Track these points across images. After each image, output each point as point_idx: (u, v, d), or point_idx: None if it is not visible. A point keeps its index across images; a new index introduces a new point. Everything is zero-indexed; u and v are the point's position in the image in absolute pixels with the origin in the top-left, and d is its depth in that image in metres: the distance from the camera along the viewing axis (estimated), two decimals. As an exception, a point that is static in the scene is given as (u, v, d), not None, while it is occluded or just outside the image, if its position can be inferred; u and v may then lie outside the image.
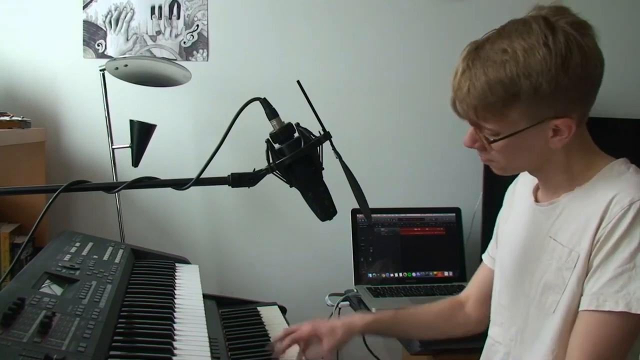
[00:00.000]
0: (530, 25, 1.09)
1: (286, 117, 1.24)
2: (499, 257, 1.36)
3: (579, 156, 1.16)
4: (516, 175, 1.41)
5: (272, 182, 1.28)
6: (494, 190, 2.32)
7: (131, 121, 2.14)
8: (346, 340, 1.37)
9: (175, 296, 1.41)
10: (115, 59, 2.17)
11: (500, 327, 1.29)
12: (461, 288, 2.24)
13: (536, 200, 1.26)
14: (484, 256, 1.48)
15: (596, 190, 1.12)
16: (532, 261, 1.21)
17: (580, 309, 1.08)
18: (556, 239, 1.16)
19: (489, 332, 1.34)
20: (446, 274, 2.36)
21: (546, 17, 1.10)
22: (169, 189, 1.23)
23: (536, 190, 1.28)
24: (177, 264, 1.68)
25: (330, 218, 1.25)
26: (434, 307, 1.49)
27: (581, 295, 1.09)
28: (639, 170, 1.14)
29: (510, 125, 1.10)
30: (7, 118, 1.97)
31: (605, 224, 1.07)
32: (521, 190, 1.35)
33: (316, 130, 1.22)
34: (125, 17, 2.36)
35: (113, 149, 2.19)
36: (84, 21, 2.35)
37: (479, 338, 1.40)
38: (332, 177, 1.25)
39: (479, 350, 1.39)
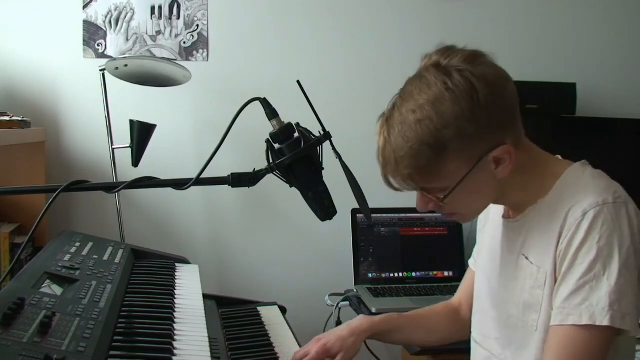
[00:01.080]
0: (426, 78, 1.09)
1: (286, 117, 1.24)
2: (479, 266, 1.36)
3: (531, 171, 1.14)
4: None
5: (272, 182, 1.28)
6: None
7: (131, 121, 2.14)
8: (358, 348, 1.35)
9: (175, 296, 1.41)
10: (115, 59, 2.17)
11: (496, 342, 1.27)
12: (461, 288, 2.26)
13: (506, 215, 1.24)
14: (470, 262, 1.47)
15: (556, 202, 1.10)
16: (511, 280, 1.20)
17: (550, 324, 1.07)
18: (527, 257, 1.15)
19: (484, 345, 1.31)
20: (446, 274, 2.36)
21: (437, 63, 1.09)
22: (169, 189, 1.23)
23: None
24: (177, 264, 1.68)
25: (330, 218, 1.24)
26: (432, 312, 1.48)
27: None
28: (593, 173, 1.12)
29: (452, 176, 1.08)
30: (7, 118, 1.97)
31: (563, 238, 1.05)
32: (493, 211, 1.33)
33: (316, 130, 1.22)
34: (125, 17, 2.36)
35: (113, 149, 2.19)
36: (84, 21, 2.35)
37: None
38: (332, 177, 1.25)
39: (467, 351, 1.38)
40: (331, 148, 1.21)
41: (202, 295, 1.48)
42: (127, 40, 2.37)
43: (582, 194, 1.06)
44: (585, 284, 1.02)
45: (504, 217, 1.24)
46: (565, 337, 1.04)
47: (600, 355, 1.03)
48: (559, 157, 1.20)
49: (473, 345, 1.35)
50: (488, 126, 1.05)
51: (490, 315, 1.28)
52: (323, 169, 1.23)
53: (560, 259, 1.06)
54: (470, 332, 1.39)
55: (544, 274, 1.10)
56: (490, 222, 1.34)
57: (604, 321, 1.00)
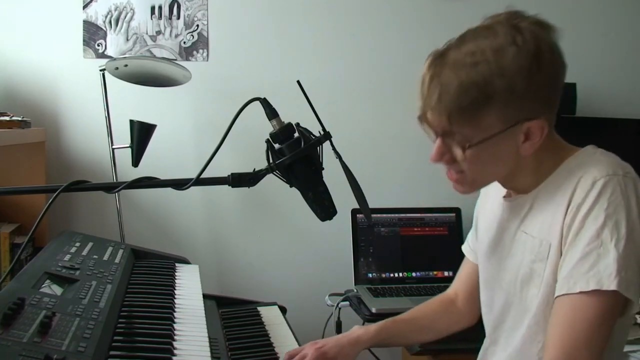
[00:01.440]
0: (494, 28, 1.07)
1: (286, 117, 1.24)
2: (479, 252, 1.36)
3: (547, 158, 1.14)
4: None
5: (272, 182, 1.28)
6: (494, 190, 2.33)
7: (131, 121, 2.14)
8: (353, 358, 1.35)
9: (175, 296, 1.41)
10: (115, 59, 2.17)
11: (492, 326, 1.28)
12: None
13: (507, 196, 1.24)
14: (464, 248, 1.47)
15: (562, 178, 1.10)
16: (506, 258, 1.20)
17: (555, 295, 1.05)
18: (527, 231, 1.15)
19: (487, 331, 1.32)
20: (446, 274, 2.36)
21: (508, 19, 1.08)
22: (169, 189, 1.23)
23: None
24: (177, 264, 1.68)
25: (330, 218, 1.25)
26: (427, 309, 1.48)
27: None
28: (605, 153, 1.12)
29: (484, 129, 1.06)
30: (7, 118, 1.97)
31: (572, 207, 1.05)
32: (494, 187, 1.32)
33: (316, 130, 1.22)
34: (125, 17, 2.36)
35: (113, 149, 2.19)
36: (84, 21, 2.35)
37: (478, 339, 1.39)
38: (332, 177, 1.25)
39: (474, 351, 1.38)
40: (331, 148, 1.21)
41: (202, 295, 1.48)
42: (127, 40, 2.37)
43: (593, 166, 1.07)
44: (592, 250, 1.01)
45: (504, 197, 1.24)
46: (572, 305, 1.02)
47: (609, 321, 1.02)
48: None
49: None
50: (537, 94, 1.06)
51: (488, 295, 1.28)
52: (323, 169, 1.23)
53: (567, 227, 1.05)
54: (467, 320, 1.42)
55: (547, 245, 1.09)
56: (489, 204, 1.34)
57: (611, 285, 0.99)
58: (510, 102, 1.04)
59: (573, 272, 1.02)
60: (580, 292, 1.01)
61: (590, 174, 1.05)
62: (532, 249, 1.12)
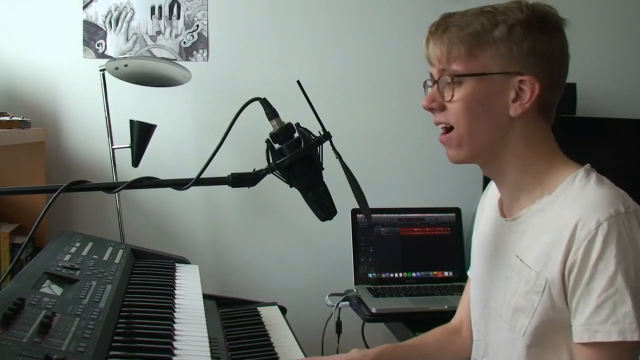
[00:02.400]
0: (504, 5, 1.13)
1: (286, 117, 1.23)
2: (473, 269, 1.35)
3: (538, 152, 1.13)
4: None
5: (272, 182, 1.28)
6: (494, 190, 2.33)
7: (131, 121, 2.14)
8: None
9: (175, 296, 1.41)
10: (115, 59, 2.17)
11: (478, 345, 1.27)
12: (461, 288, 2.24)
13: (502, 214, 1.22)
14: (469, 273, 1.43)
15: (559, 206, 1.08)
16: (501, 280, 1.18)
17: (574, 341, 1.04)
18: (522, 259, 1.12)
19: (472, 352, 1.31)
20: (446, 274, 2.36)
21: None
22: (169, 189, 1.23)
23: (501, 203, 1.24)
24: (177, 264, 1.68)
25: (330, 218, 1.24)
26: (430, 338, 1.44)
27: (553, 322, 1.06)
28: (599, 181, 1.09)
29: (478, 67, 1.09)
30: (7, 118, 1.97)
31: (575, 250, 1.02)
32: (488, 202, 1.32)
33: (316, 130, 1.22)
34: (125, 17, 2.36)
35: (113, 149, 2.19)
36: (84, 21, 2.35)
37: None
38: (332, 177, 1.25)
39: None
40: (331, 148, 1.21)
41: (202, 295, 1.48)
42: (127, 40, 2.37)
43: (592, 205, 1.03)
44: (608, 298, 0.99)
45: (500, 216, 1.22)
46: (594, 355, 1.01)
47: None
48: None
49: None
50: (533, 51, 1.08)
51: (480, 314, 1.26)
52: (323, 169, 1.22)
53: (576, 273, 1.02)
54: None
55: (543, 280, 1.06)
56: (483, 222, 1.33)
57: (635, 336, 0.98)
58: (507, 47, 1.08)
59: (591, 321, 1.01)
60: (602, 342, 1.00)
61: (592, 215, 1.02)
62: (528, 281, 1.10)
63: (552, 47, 1.09)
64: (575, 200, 1.06)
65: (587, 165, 1.13)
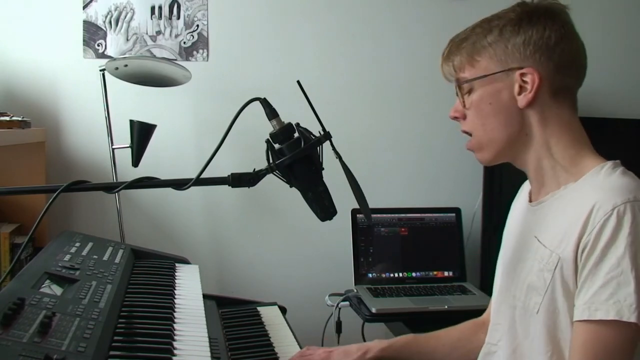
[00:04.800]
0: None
1: (286, 117, 1.23)
2: (500, 259, 1.36)
3: (561, 137, 1.16)
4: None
5: (272, 182, 1.28)
6: (494, 190, 2.33)
7: (131, 121, 2.13)
8: None
9: (175, 296, 1.41)
10: (115, 59, 2.17)
11: (494, 330, 1.28)
12: (461, 288, 2.26)
13: (529, 200, 1.26)
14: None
15: (581, 193, 1.11)
16: (519, 262, 1.21)
17: (574, 319, 1.06)
18: (540, 239, 1.15)
19: (487, 337, 1.32)
20: (446, 274, 2.36)
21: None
22: (169, 189, 1.23)
23: (531, 193, 1.28)
24: (177, 264, 1.68)
25: (330, 218, 1.24)
26: (455, 330, 1.46)
27: (566, 300, 1.08)
28: (626, 173, 1.12)
29: (480, 71, 1.17)
30: (7, 118, 1.97)
31: (589, 231, 1.04)
32: (521, 198, 1.35)
33: (316, 130, 1.22)
34: (125, 17, 2.36)
35: (113, 149, 2.19)
36: (84, 21, 2.35)
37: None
38: (332, 177, 1.25)
39: None
40: (331, 148, 1.21)
41: (202, 295, 1.48)
42: (127, 40, 2.37)
43: (612, 190, 1.06)
44: (613, 279, 1.02)
45: (529, 202, 1.26)
46: (593, 332, 1.03)
47: (629, 350, 1.03)
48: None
49: None
50: (526, 45, 1.14)
51: (498, 299, 1.28)
52: (323, 169, 1.22)
53: (586, 255, 1.05)
54: None
55: (555, 258, 1.09)
56: (513, 213, 1.36)
57: (632, 317, 1.00)
58: (501, 47, 1.15)
59: (594, 299, 1.03)
60: (601, 320, 1.02)
61: (610, 199, 1.04)
62: (542, 259, 1.13)
63: (547, 34, 1.14)
64: (597, 186, 1.09)
65: (618, 161, 1.16)
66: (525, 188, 1.36)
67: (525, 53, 1.14)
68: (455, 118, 1.24)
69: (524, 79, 1.14)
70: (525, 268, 1.18)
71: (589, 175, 1.13)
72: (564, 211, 1.12)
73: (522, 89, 1.14)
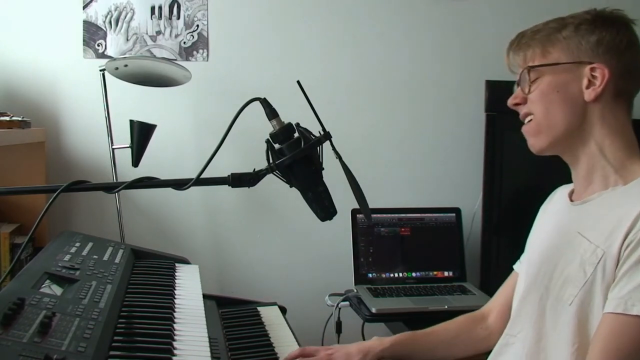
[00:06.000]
0: None
1: (286, 117, 1.24)
2: (526, 259, 1.36)
3: (616, 139, 1.19)
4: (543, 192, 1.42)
5: (272, 182, 1.28)
6: (494, 190, 2.33)
7: (131, 121, 2.14)
8: None
9: (175, 296, 1.41)
10: (115, 59, 2.17)
11: (516, 321, 1.28)
12: (461, 288, 2.27)
13: (571, 198, 1.27)
14: (515, 265, 1.45)
15: (631, 196, 1.12)
16: (557, 256, 1.21)
17: (605, 311, 1.07)
18: (584, 235, 1.15)
19: (505, 329, 1.32)
20: (446, 274, 2.36)
21: None
22: (169, 189, 1.23)
23: (571, 194, 1.29)
24: (177, 264, 1.68)
25: (330, 218, 1.24)
26: (452, 324, 1.47)
27: (602, 295, 1.09)
28: None
29: (551, 60, 1.20)
30: (7, 118, 1.97)
31: (636, 231, 1.06)
32: (556, 200, 1.36)
33: (316, 130, 1.22)
34: (125, 17, 2.36)
35: (113, 149, 2.19)
36: (84, 21, 2.35)
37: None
38: (332, 177, 1.25)
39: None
40: (331, 148, 1.21)
41: (202, 295, 1.48)
42: (127, 40, 2.37)
43: None
44: None
45: (571, 201, 1.27)
46: (624, 326, 1.04)
47: None
48: None
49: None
50: (599, 44, 1.18)
51: (526, 292, 1.28)
52: (323, 169, 1.23)
53: (629, 251, 1.06)
54: (497, 339, 1.35)
55: (600, 253, 1.10)
56: (547, 216, 1.36)
57: None
58: (576, 41, 1.19)
59: (632, 294, 1.04)
60: (635, 316, 1.02)
61: None
62: (585, 253, 1.13)
63: (619, 38, 1.19)
64: None
65: None
66: (559, 192, 1.37)
67: (597, 51, 1.18)
68: (516, 105, 1.26)
69: (594, 73, 1.17)
70: (563, 261, 1.18)
71: (638, 182, 1.15)
72: (612, 210, 1.13)
73: (590, 83, 1.17)
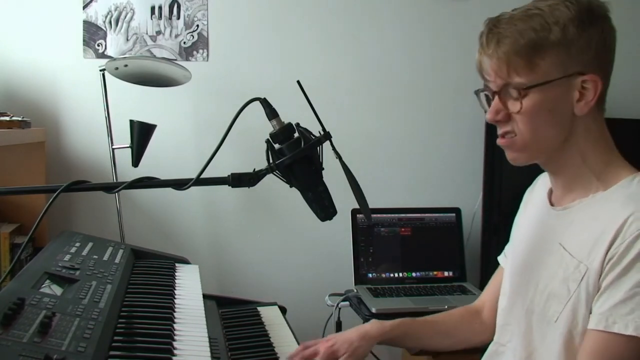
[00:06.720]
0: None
1: (286, 117, 1.24)
2: (509, 258, 1.35)
3: (597, 145, 1.14)
4: (528, 180, 1.39)
5: (272, 182, 1.28)
6: (494, 190, 2.33)
7: (131, 121, 2.14)
8: (366, 353, 1.35)
9: (175, 296, 1.41)
10: (115, 59, 2.17)
11: (504, 330, 1.28)
12: (461, 288, 2.26)
13: (550, 204, 1.24)
14: (500, 259, 1.44)
15: (612, 203, 1.08)
16: (539, 266, 1.19)
17: (589, 327, 1.05)
18: (565, 247, 1.13)
19: (494, 337, 1.32)
20: (446, 274, 2.36)
21: None
22: (169, 189, 1.23)
23: (550, 193, 1.26)
24: (177, 264, 1.68)
25: (330, 218, 1.24)
26: (450, 315, 1.47)
27: (587, 311, 1.07)
28: None
29: (540, 75, 1.09)
30: (7, 118, 1.97)
31: (619, 243, 1.03)
32: (537, 193, 1.32)
33: (316, 130, 1.22)
34: (125, 17, 2.36)
35: (113, 149, 2.19)
36: (84, 21, 2.35)
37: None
38: (332, 177, 1.25)
39: (479, 350, 1.38)
40: (331, 148, 1.21)
41: (202, 295, 1.48)
42: (127, 40, 2.37)
43: None
44: (636, 295, 1.00)
45: (550, 204, 1.23)
46: (607, 343, 1.02)
47: None
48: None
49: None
50: (589, 47, 1.09)
51: (511, 300, 1.27)
52: (323, 169, 1.23)
53: (612, 264, 1.03)
54: (491, 333, 1.35)
55: (583, 269, 1.07)
56: (528, 212, 1.34)
57: None
58: (565, 50, 1.08)
59: (613, 311, 1.02)
60: (617, 334, 1.01)
61: None
62: (567, 268, 1.11)
63: (604, 37, 1.11)
64: (630, 197, 1.07)
65: None
66: (541, 181, 1.33)
67: (586, 57, 1.09)
68: (496, 122, 1.16)
69: (585, 85, 1.09)
70: (546, 274, 1.16)
71: (620, 185, 1.11)
72: (593, 220, 1.09)
73: (581, 96, 1.10)
